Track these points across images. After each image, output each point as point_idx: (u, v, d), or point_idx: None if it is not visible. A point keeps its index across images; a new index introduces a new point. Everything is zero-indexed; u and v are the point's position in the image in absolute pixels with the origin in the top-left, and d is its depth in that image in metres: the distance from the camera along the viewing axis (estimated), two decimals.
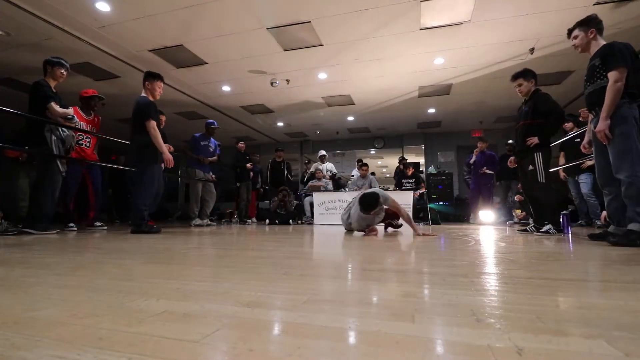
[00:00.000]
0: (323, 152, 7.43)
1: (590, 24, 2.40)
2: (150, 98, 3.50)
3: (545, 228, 3.07)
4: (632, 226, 2.11)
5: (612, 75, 2.18)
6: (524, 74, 3.17)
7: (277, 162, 7.14)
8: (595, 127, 2.32)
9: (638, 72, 2.23)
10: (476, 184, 6.49)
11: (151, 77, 3.52)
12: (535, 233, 3.15)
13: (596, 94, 2.32)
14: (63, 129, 3.36)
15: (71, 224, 3.79)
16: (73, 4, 3.77)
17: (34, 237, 2.73)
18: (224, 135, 9.23)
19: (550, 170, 3.21)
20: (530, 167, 3.11)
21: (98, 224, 4.19)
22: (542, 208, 3.19)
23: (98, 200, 4.34)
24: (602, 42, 2.36)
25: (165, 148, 3.39)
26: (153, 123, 3.33)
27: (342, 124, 8.90)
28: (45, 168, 3.20)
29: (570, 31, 2.52)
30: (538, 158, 3.07)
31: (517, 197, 6.01)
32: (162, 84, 3.58)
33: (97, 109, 4.21)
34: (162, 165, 3.61)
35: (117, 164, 5.58)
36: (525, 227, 3.47)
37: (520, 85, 3.19)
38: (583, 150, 2.69)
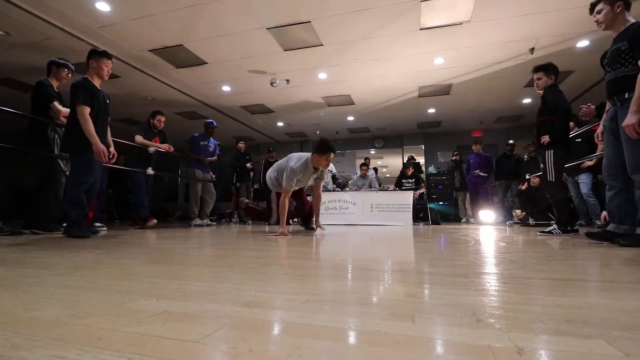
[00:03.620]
0: None
1: None
2: (96, 79, 2.96)
3: (549, 228, 3.05)
4: None
5: None
6: (546, 68, 3.07)
7: (270, 162, 7.15)
8: (610, 118, 2.16)
9: None
10: (473, 185, 6.55)
11: (96, 54, 2.94)
12: (538, 233, 3.13)
13: (617, 82, 2.08)
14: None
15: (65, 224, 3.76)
16: (73, 4, 3.77)
17: (35, 238, 2.72)
18: (224, 135, 9.22)
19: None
20: (542, 165, 3.04)
21: (98, 224, 4.19)
22: (554, 207, 3.13)
23: (100, 201, 4.34)
24: (631, 20, 2.08)
25: (96, 138, 2.79)
26: (82, 109, 2.76)
27: (342, 124, 8.90)
28: (49, 168, 3.20)
29: (593, 5, 2.24)
30: (549, 156, 2.96)
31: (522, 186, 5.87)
32: (109, 62, 2.99)
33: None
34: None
35: (117, 164, 5.57)
36: (549, 230, 3.13)
37: (539, 79, 3.09)
38: (596, 141, 2.50)
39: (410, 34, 4.46)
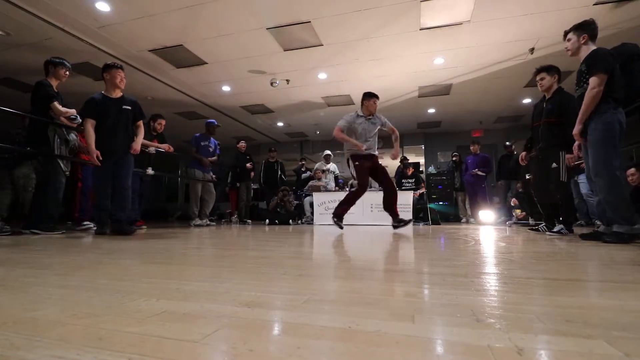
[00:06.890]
0: (328, 152, 7.37)
1: (584, 28, 2.48)
2: (111, 91, 3.20)
3: (557, 228, 3.07)
4: (616, 228, 2.25)
5: (591, 81, 2.28)
6: (548, 68, 3.15)
7: (270, 162, 7.17)
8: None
9: (631, 76, 2.31)
10: (470, 185, 6.57)
11: (107, 67, 3.20)
12: (547, 233, 3.14)
13: (580, 99, 2.42)
14: (66, 129, 3.36)
15: (69, 223, 3.73)
16: (73, 4, 3.77)
17: (35, 238, 2.72)
18: (224, 135, 9.22)
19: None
20: (554, 165, 3.05)
21: (86, 223, 4.17)
22: (557, 207, 3.19)
23: (85, 200, 4.27)
24: (592, 48, 2.42)
25: (93, 148, 3.03)
26: (86, 122, 3.06)
27: None
28: (49, 168, 3.20)
29: (566, 33, 2.61)
30: (563, 156, 3.01)
31: (512, 202, 5.99)
32: (121, 73, 3.21)
33: None
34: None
35: None
36: (536, 227, 3.40)
37: (542, 79, 3.15)
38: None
39: (410, 34, 4.46)
